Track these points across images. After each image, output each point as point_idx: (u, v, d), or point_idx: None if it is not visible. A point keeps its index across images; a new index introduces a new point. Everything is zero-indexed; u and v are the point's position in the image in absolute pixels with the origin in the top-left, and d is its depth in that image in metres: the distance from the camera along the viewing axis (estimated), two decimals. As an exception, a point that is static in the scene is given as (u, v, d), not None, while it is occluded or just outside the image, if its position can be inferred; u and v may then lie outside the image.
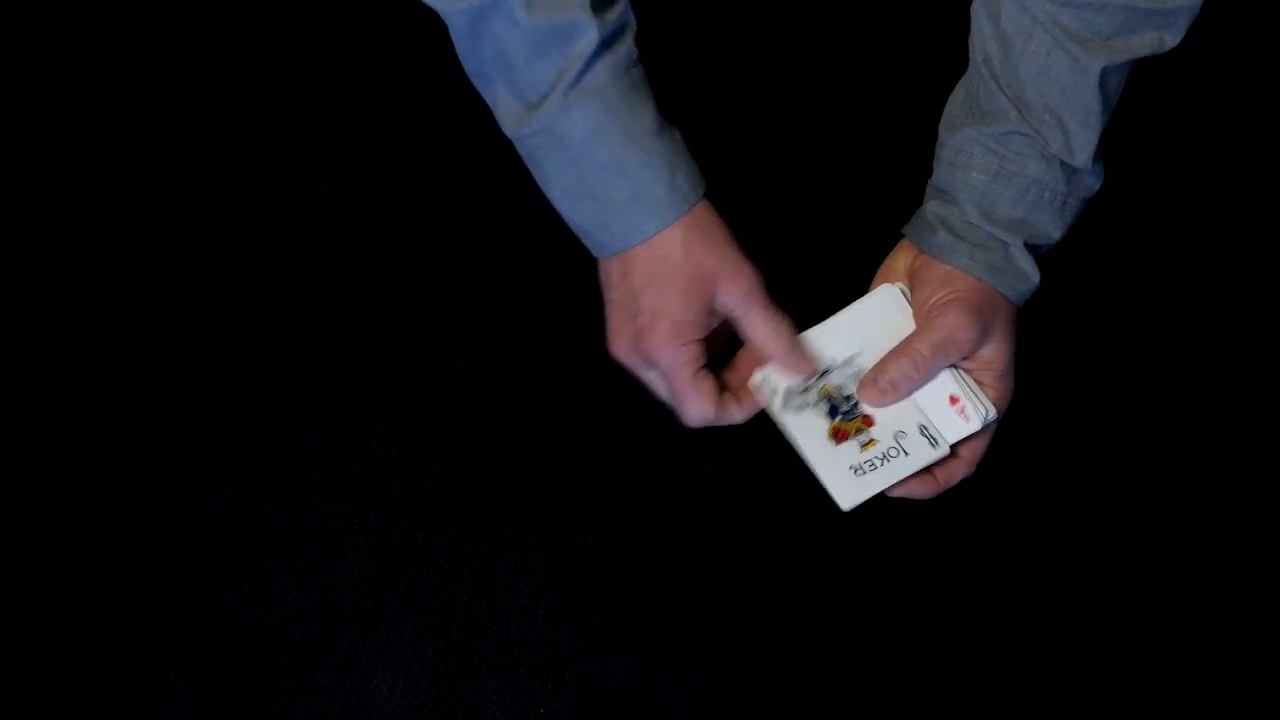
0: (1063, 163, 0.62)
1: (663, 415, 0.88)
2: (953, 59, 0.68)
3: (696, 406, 0.64)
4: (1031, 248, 0.64)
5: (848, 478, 0.64)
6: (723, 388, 0.66)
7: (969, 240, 0.63)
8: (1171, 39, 0.60)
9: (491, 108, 0.64)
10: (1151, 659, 0.83)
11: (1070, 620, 0.84)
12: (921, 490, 0.64)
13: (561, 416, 0.87)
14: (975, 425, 0.64)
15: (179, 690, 0.80)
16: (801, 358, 0.65)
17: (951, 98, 0.67)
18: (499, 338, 0.89)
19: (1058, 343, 0.88)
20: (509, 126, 0.62)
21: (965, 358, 0.64)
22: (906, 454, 0.64)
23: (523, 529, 0.85)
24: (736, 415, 0.66)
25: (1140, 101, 0.82)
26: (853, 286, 0.70)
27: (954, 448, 0.65)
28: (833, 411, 0.65)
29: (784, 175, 0.94)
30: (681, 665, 0.82)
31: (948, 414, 0.64)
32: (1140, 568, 0.85)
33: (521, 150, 0.63)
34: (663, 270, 0.62)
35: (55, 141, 0.94)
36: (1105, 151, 0.64)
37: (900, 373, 0.63)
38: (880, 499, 0.66)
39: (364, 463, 0.86)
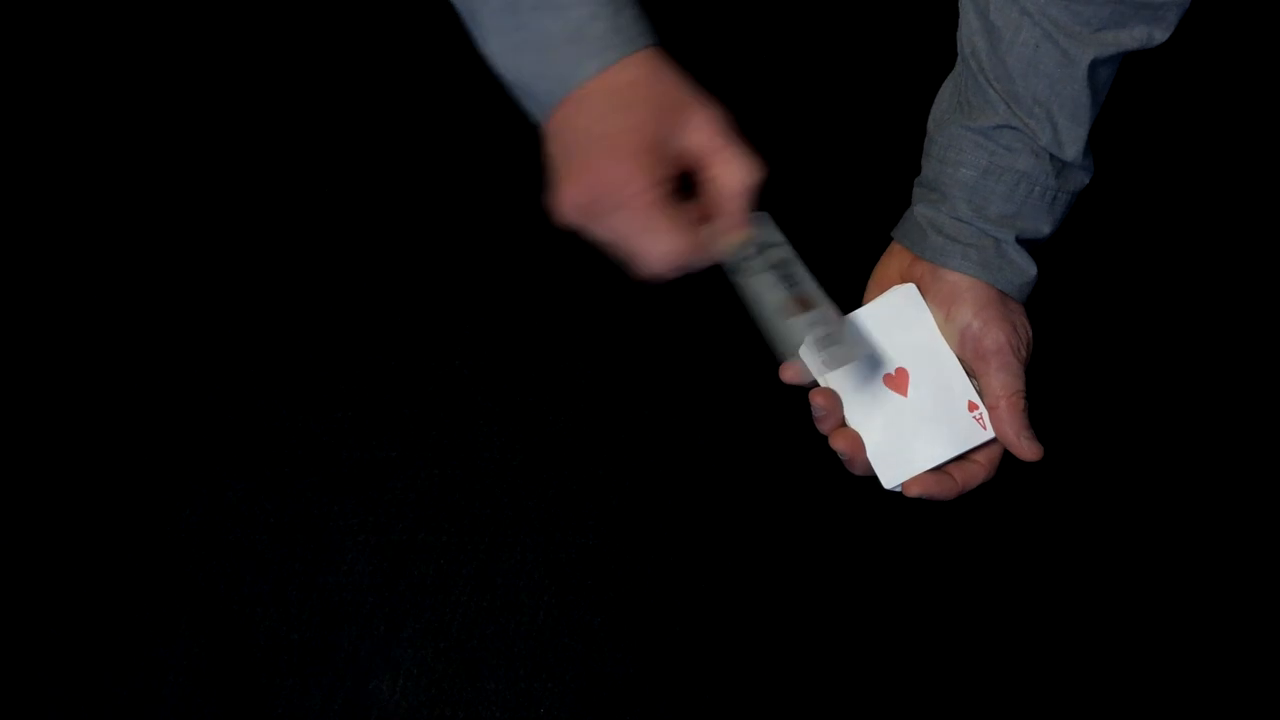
0: (1052, 157, 0.62)
1: (662, 418, 0.88)
2: (940, 56, 0.68)
3: (670, 239, 0.55)
4: (1023, 243, 0.64)
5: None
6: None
7: (961, 240, 0.63)
8: (1161, 34, 0.60)
9: None
10: (1151, 659, 0.83)
11: (1070, 620, 0.84)
12: (940, 492, 0.64)
13: (561, 416, 0.87)
14: (992, 433, 0.64)
15: (179, 689, 0.80)
16: (747, 218, 0.58)
17: (939, 94, 0.67)
18: (499, 338, 0.89)
19: (1051, 340, 0.87)
20: None
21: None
22: (846, 343, 0.63)
23: (523, 529, 0.85)
24: (700, 254, 0.57)
25: (1130, 97, 0.82)
26: (847, 285, 0.69)
27: (972, 453, 0.65)
28: (782, 281, 0.62)
29: (771, 176, 0.94)
30: (681, 665, 0.82)
31: (967, 420, 0.64)
32: (1141, 568, 0.85)
33: (461, 6, 0.59)
34: (614, 101, 0.56)
35: (55, 141, 0.95)
36: (1095, 147, 0.64)
37: (1021, 419, 0.63)
38: (896, 500, 0.65)
39: (364, 463, 0.86)
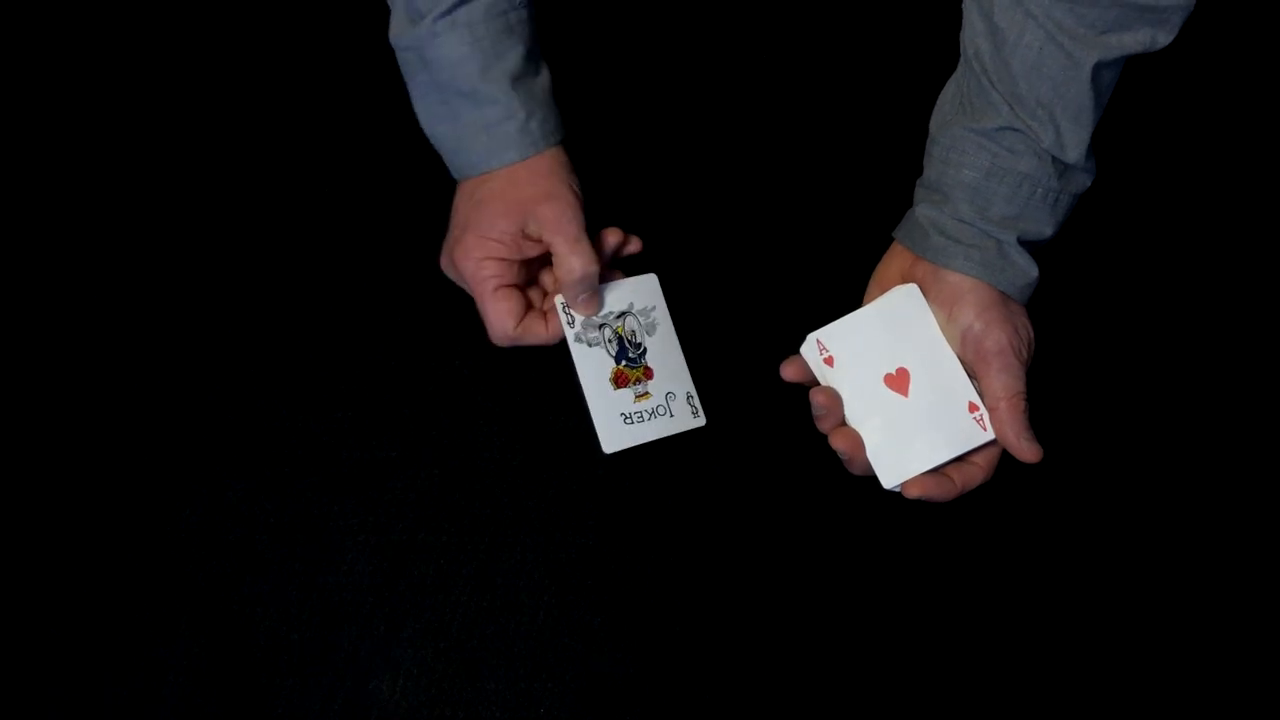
0: (1055, 159, 0.62)
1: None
2: (943, 57, 0.68)
3: (497, 321, 0.68)
4: (1025, 244, 0.64)
5: (616, 423, 0.69)
6: (529, 307, 0.69)
7: (963, 241, 0.63)
8: (1164, 37, 0.60)
9: (391, 14, 0.68)
10: (1151, 659, 0.83)
11: (1068, 622, 0.84)
12: (939, 493, 0.64)
13: (561, 416, 0.87)
14: (992, 434, 0.64)
15: (179, 689, 0.80)
16: (590, 298, 0.69)
17: (942, 95, 0.67)
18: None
19: (1052, 342, 0.88)
20: (391, 34, 0.67)
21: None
22: (672, 415, 0.70)
23: (523, 529, 0.85)
24: (541, 335, 0.69)
25: (1133, 100, 0.82)
26: (848, 285, 0.70)
27: (971, 455, 0.65)
28: (620, 355, 0.70)
29: (773, 176, 0.94)
30: (681, 665, 0.82)
31: (967, 421, 0.64)
32: (1140, 570, 0.85)
33: (399, 60, 0.68)
34: (489, 194, 0.66)
35: (55, 141, 0.94)
36: (1098, 149, 0.64)
37: (1021, 420, 0.63)
38: (895, 501, 0.65)
39: (364, 463, 0.86)
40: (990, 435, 0.64)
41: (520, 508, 0.85)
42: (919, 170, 0.68)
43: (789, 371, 0.68)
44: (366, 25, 0.98)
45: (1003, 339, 0.63)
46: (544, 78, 0.68)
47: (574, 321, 0.69)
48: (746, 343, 0.86)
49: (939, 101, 0.67)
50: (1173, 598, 0.84)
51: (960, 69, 0.66)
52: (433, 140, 0.69)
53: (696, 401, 0.71)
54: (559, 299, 0.69)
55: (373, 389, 0.88)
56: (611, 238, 0.71)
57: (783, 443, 0.86)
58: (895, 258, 0.68)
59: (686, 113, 0.96)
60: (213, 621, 0.81)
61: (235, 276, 0.91)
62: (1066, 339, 0.88)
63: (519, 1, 0.66)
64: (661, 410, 0.69)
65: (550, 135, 0.67)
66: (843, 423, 0.66)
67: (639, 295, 0.71)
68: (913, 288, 0.65)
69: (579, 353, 0.69)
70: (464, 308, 0.90)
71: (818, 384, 0.67)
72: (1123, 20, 0.59)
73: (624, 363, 0.70)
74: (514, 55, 0.65)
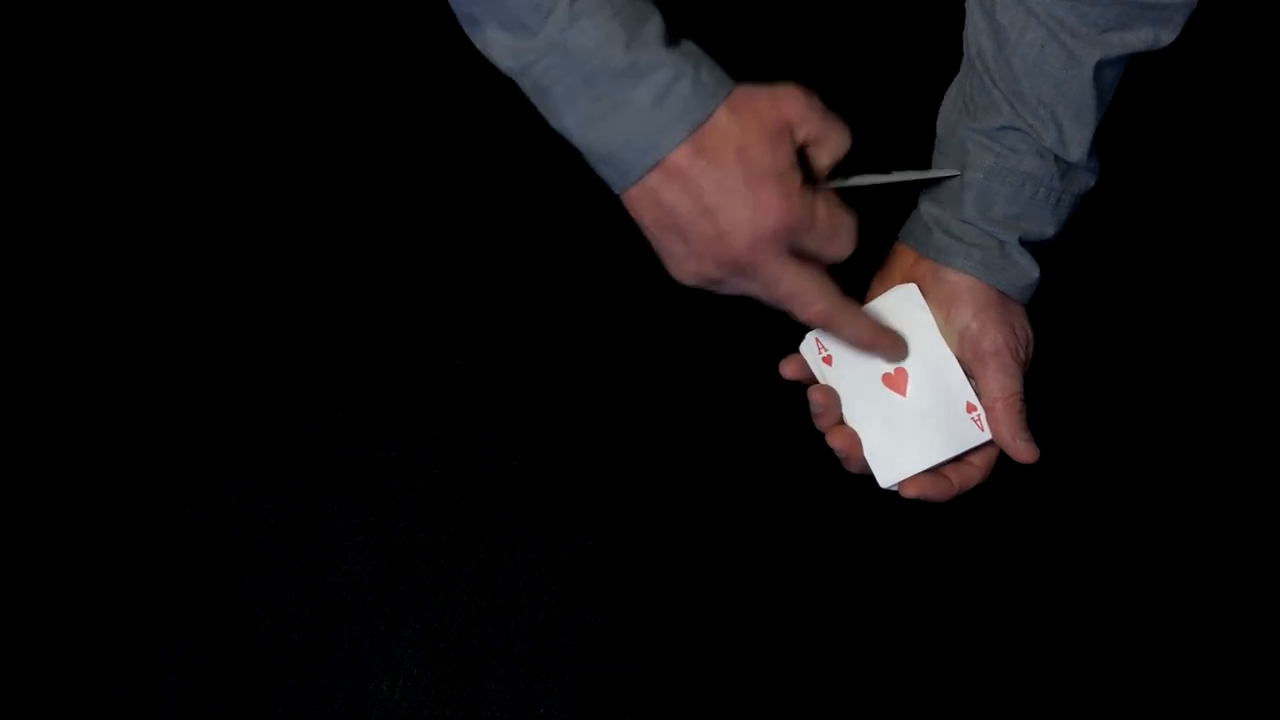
0: (1057, 158, 0.62)
1: (663, 418, 0.88)
2: (947, 56, 0.68)
3: (813, 305, 0.58)
4: (1027, 244, 0.64)
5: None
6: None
7: (965, 240, 0.63)
8: (1167, 36, 0.60)
9: (482, 50, 0.60)
10: (1150, 659, 0.83)
11: (1066, 622, 0.84)
12: (936, 493, 0.64)
13: (561, 416, 0.87)
14: (989, 434, 0.64)
15: (179, 689, 0.80)
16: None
17: (947, 95, 0.67)
18: (499, 338, 0.89)
19: (1053, 343, 0.87)
20: (508, 60, 0.59)
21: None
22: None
23: (523, 529, 0.85)
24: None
25: (1136, 99, 0.82)
26: (850, 285, 0.69)
27: (969, 455, 0.65)
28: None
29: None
30: (681, 665, 0.82)
31: (965, 421, 0.64)
32: (1138, 571, 0.85)
33: (526, 84, 0.59)
34: (714, 165, 0.56)
35: (55, 141, 0.94)
36: (1101, 149, 0.64)
37: (1017, 420, 0.63)
38: (894, 500, 0.65)
39: (364, 463, 0.86)
40: (988, 435, 0.64)
41: (520, 508, 0.85)
42: (924, 169, 0.68)
43: (788, 370, 0.67)
44: (367, 25, 0.98)
45: (999, 339, 0.63)
46: (687, 41, 0.60)
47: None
48: (746, 342, 0.86)
49: (943, 102, 0.67)
50: (1172, 598, 0.84)
51: (963, 68, 0.65)
52: (594, 148, 0.59)
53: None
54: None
55: (373, 389, 0.87)
56: None
57: (782, 442, 0.86)
58: (898, 257, 0.68)
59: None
60: (213, 621, 0.81)
61: (235, 277, 0.91)
62: (1066, 339, 0.88)
63: None
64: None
65: (723, 82, 0.58)
66: (840, 421, 0.66)
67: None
68: (912, 287, 0.65)
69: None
70: (464, 308, 0.91)
71: (816, 382, 0.67)
72: (1125, 18, 0.59)
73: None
74: (656, 19, 0.58)
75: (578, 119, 0.58)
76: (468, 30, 0.61)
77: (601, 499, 0.85)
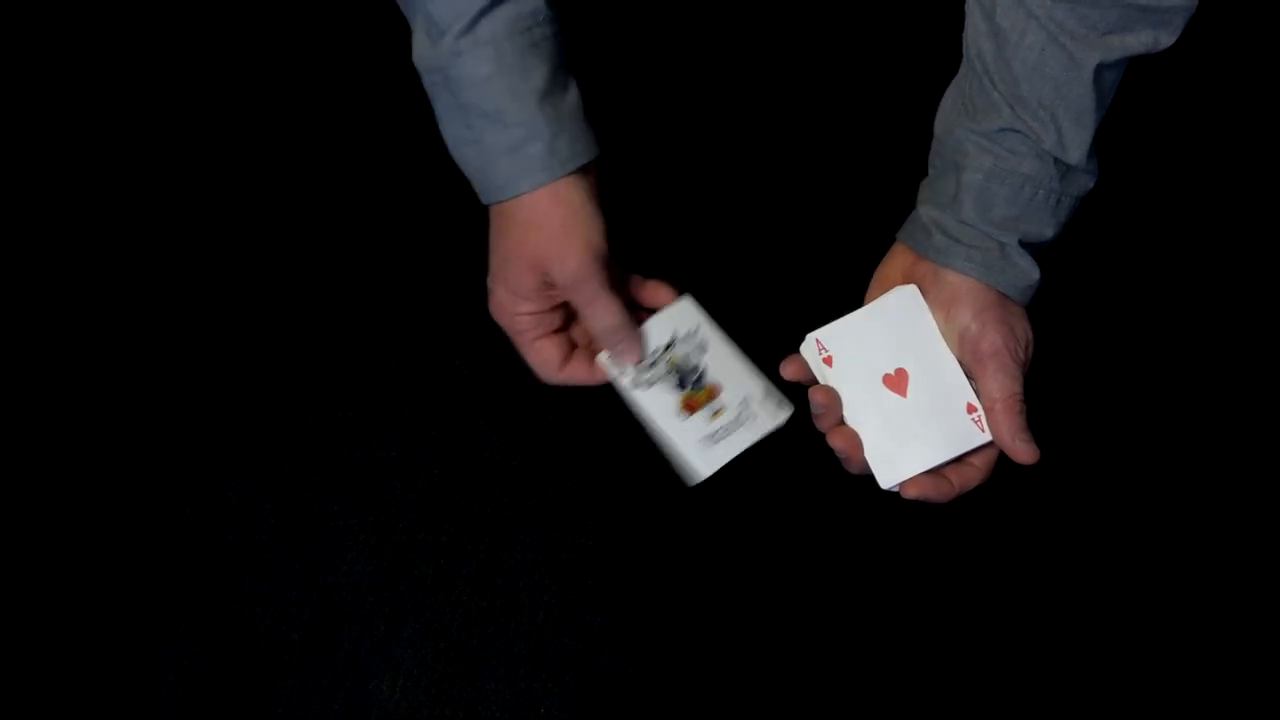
0: (1056, 160, 0.62)
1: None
2: (945, 58, 0.68)
3: (541, 368, 0.67)
4: (1026, 246, 0.64)
5: (702, 446, 0.67)
6: (573, 345, 0.68)
7: (964, 242, 0.63)
8: (1167, 39, 0.60)
9: (412, 34, 0.65)
10: (1150, 659, 0.83)
11: (1066, 622, 0.84)
12: (936, 494, 0.64)
13: (561, 416, 0.87)
14: (990, 435, 0.64)
15: (179, 689, 0.80)
16: (630, 344, 0.67)
17: (945, 96, 0.67)
18: (499, 338, 0.89)
19: (1052, 344, 0.88)
20: (416, 60, 0.64)
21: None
22: (755, 417, 0.67)
23: (523, 529, 0.85)
24: (586, 377, 0.68)
25: (1135, 101, 0.82)
26: (850, 285, 0.70)
27: (969, 456, 0.65)
28: (681, 383, 0.68)
29: (774, 177, 0.94)
30: (681, 665, 0.82)
31: (965, 422, 0.64)
32: (1137, 571, 0.85)
33: (424, 84, 0.65)
34: (513, 235, 0.64)
35: (55, 141, 0.94)
36: (1100, 151, 0.64)
37: (1017, 421, 0.63)
38: (894, 501, 0.65)
39: (364, 463, 0.86)
40: (988, 436, 0.64)
41: (520, 508, 0.85)
42: (922, 171, 0.68)
43: (789, 370, 0.68)
44: (367, 28, 0.98)
45: (999, 340, 0.63)
46: (572, 95, 0.65)
47: (624, 370, 0.68)
48: (747, 342, 0.86)
49: (942, 104, 0.67)
50: (1172, 598, 0.84)
51: (963, 70, 0.65)
52: (459, 164, 0.66)
53: (776, 394, 0.68)
54: (602, 356, 0.68)
55: (373, 389, 0.87)
56: (641, 290, 0.70)
57: (782, 442, 0.86)
58: (897, 258, 0.68)
59: (687, 114, 0.96)
60: (213, 621, 0.81)
61: (236, 277, 0.91)
62: (1066, 340, 0.88)
63: (543, 16, 0.63)
64: (744, 416, 0.68)
65: (579, 155, 0.64)
66: (841, 422, 0.66)
67: (680, 322, 0.69)
68: (912, 288, 0.65)
69: (639, 398, 0.67)
70: (464, 308, 0.91)
71: (817, 383, 0.67)
72: (1125, 21, 0.59)
73: (687, 389, 0.68)
74: (539, 73, 0.62)
75: (450, 136, 0.65)
76: (404, 10, 0.66)
77: (601, 499, 0.85)
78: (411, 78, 0.96)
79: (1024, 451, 0.63)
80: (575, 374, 0.68)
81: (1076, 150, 0.62)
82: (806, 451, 0.76)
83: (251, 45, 0.98)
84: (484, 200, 0.66)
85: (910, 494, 0.63)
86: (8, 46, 0.97)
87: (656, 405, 0.67)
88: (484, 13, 0.60)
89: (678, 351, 0.68)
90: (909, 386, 0.65)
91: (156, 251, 0.91)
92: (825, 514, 0.85)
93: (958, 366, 0.64)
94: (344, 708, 0.80)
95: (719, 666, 0.82)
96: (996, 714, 0.82)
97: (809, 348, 0.67)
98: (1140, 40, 0.60)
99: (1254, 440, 0.88)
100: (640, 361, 0.68)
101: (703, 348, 0.69)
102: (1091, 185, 0.64)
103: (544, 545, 0.84)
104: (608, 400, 0.89)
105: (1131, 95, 0.71)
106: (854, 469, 0.66)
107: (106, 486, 0.84)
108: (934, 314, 0.65)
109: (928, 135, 0.68)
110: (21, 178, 0.93)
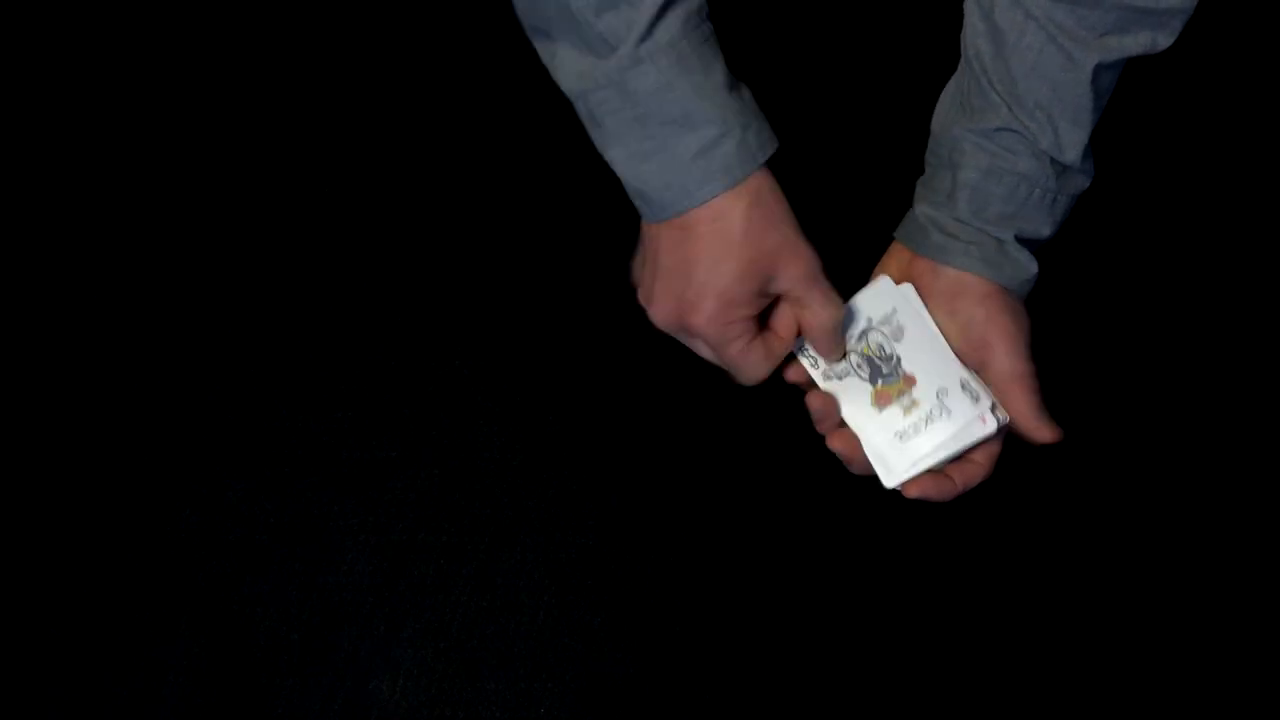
0: (1053, 160, 0.62)
1: (663, 418, 0.88)
2: (943, 58, 0.68)
3: (753, 371, 0.63)
4: (1023, 243, 0.64)
5: (892, 447, 0.64)
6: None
7: (962, 238, 0.63)
8: (1165, 40, 0.60)
9: (548, 65, 0.61)
10: (1151, 659, 0.83)
11: (1067, 622, 0.84)
12: (938, 493, 0.64)
13: (561, 416, 0.87)
14: (992, 428, 0.64)
15: (179, 689, 0.80)
16: (842, 342, 0.65)
17: (942, 96, 0.67)
18: (499, 338, 0.89)
19: (1051, 343, 0.88)
20: (571, 83, 0.60)
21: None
22: (950, 412, 0.63)
23: (523, 529, 0.85)
24: (775, 358, 0.64)
25: (1131, 101, 0.82)
26: (844, 286, 0.70)
27: (971, 453, 0.65)
28: (874, 376, 0.65)
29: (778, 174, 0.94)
30: (681, 665, 0.82)
31: (966, 419, 0.64)
32: (1138, 570, 0.85)
33: (581, 107, 0.61)
34: (721, 244, 0.60)
35: (55, 141, 0.94)
36: (1095, 151, 0.64)
37: (1034, 400, 0.63)
38: (896, 500, 0.65)
39: (364, 463, 0.86)
40: (991, 429, 0.64)
41: (520, 508, 0.85)
42: (919, 170, 0.68)
43: (791, 374, 0.68)
44: (367, 25, 0.98)
45: (1006, 323, 0.63)
46: (745, 88, 0.62)
47: (817, 362, 0.65)
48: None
49: (939, 103, 0.67)
50: (1172, 598, 0.84)
51: (960, 69, 0.66)
52: (634, 183, 0.61)
53: (975, 385, 0.63)
54: (804, 354, 0.66)
55: (373, 389, 0.88)
56: None
57: (783, 442, 0.86)
58: (893, 257, 0.68)
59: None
60: (213, 621, 0.81)
61: (235, 277, 0.91)
62: (1065, 339, 0.89)
63: (706, 12, 0.60)
64: (938, 412, 0.63)
65: (766, 146, 0.61)
66: (841, 424, 0.66)
67: (874, 306, 0.66)
68: (907, 287, 0.66)
69: (835, 389, 0.65)
70: (464, 308, 0.91)
71: (817, 387, 0.67)
72: (1123, 23, 0.59)
73: (880, 382, 0.65)
74: (718, 67, 0.59)
75: (624, 153, 0.60)
76: (536, 44, 0.62)
77: (601, 499, 0.85)
78: (412, 78, 0.96)
79: (1046, 430, 0.63)
80: (775, 361, 0.64)
81: (1073, 150, 0.62)
82: (807, 451, 0.76)
83: (252, 45, 0.98)
84: (662, 215, 0.61)
85: (912, 494, 0.63)
86: (8, 46, 0.97)
87: (849, 399, 0.64)
88: (659, 18, 0.57)
89: (871, 340, 0.65)
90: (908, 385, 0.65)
91: (156, 251, 0.91)
92: (826, 514, 0.85)
93: (957, 361, 0.65)
94: (344, 708, 0.80)
95: (719, 666, 0.82)
96: (997, 714, 0.82)
97: (804, 355, 0.67)
98: (1138, 41, 0.60)
99: (1254, 439, 0.89)
100: (841, 355, 0.65)
101: (898, 335, 0.65)
102: (1087, 185, 0.64)
103: (544, 545, 0.84)
104: (608, 400, 0.89)
105: (1128, 96, 0.71)
106: (856, 470, 0.66)
107: (107, 486, 0.84)
108: (934, 311, 0.65)
109: (924, 135, 0.68)
110: (21, 178, 0.93)
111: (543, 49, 0.61)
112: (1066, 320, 0.88)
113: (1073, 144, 0.62)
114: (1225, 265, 0.93)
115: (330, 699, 0.81)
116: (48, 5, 0.98)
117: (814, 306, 0.62)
